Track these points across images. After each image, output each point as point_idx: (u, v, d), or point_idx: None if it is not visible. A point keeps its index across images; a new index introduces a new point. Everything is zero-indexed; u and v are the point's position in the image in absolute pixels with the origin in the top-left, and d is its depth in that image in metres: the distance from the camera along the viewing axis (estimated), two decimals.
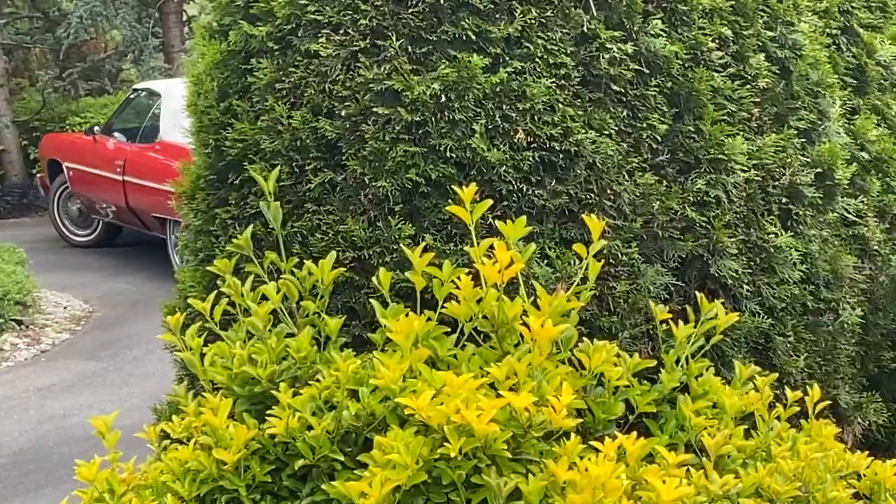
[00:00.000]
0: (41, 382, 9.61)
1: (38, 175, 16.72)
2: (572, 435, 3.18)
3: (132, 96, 14.96)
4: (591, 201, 3.92)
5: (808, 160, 4.56)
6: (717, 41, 4.24)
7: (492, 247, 3.44)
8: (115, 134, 14.17)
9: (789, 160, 4.41)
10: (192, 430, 3.50)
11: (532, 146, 3.87)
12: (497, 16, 3.92)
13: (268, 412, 3.36)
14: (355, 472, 3.24)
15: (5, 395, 9.24)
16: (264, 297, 3.64)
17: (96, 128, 14.71)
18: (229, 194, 4.05)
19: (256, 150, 3.97)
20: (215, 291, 3.73)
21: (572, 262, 3.79)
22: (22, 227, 16.11)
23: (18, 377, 9.85)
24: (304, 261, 3.71)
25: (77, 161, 14.74)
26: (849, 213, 4.89)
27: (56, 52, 20.49)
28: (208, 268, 3.85)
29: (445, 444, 3.08)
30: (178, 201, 4.21)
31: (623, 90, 4.02)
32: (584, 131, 3.91)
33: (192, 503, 3.37)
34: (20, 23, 21.42)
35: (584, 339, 3.51)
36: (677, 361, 3.60)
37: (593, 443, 3.17)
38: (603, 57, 3.97)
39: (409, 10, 3.89)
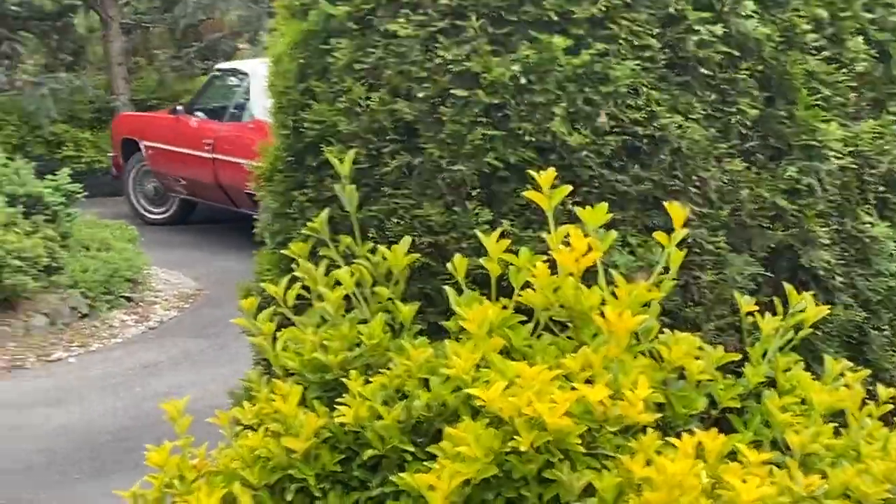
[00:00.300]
0: (147, 359, 9.73)
1: (111, 155, 16.91)
2: (650, 430, 3.08)
3: (215, 77, 15.18)
4: (675, 188, 3.80)
5: None
6: (811, 23, 4.08)
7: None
8: (197, 113, 14.40)
9: (887, 147, 4.24)
10: (262, 417, 3.45)
11: (615, 130, 3.75)
12: None
13: (337, 400, 3.31)
14: (425, 463, 3.16)
15: (112, 372, 9.38)
16: (338, 283, 3.59)
17: (179, 107, 14.91)
18: (307, 177, 3.99)
19: (334, 132, 3.90)
20: (288, 275, 3.68)
21: (655, 250, 3.67)
22: (105, 205, 16.26)
23: (126, 354, 9.98)
24: (381, 245, 3.65)
25: (157, 140, 15.10)
26: None
27: (173, 31, 20.71)
28: (284, 251, 3.80)
29: (516, 437, 3.00)
30: (257, 183, 4.17)
31: (711, 73, 3.88)
32: (669, 115, 3.79)
33: (262, 491, 3.33)
34: (139, 3, 21.67)
35: (666, 330, 3.40)
36: (764, 355, 3.48)
37: (670, 439, 3.07)
38: (691, 39, 3.84)
39: None
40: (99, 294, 10.97)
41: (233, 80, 14.79)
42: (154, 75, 21.40)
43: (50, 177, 11.38)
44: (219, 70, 15.47)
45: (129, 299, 11.43)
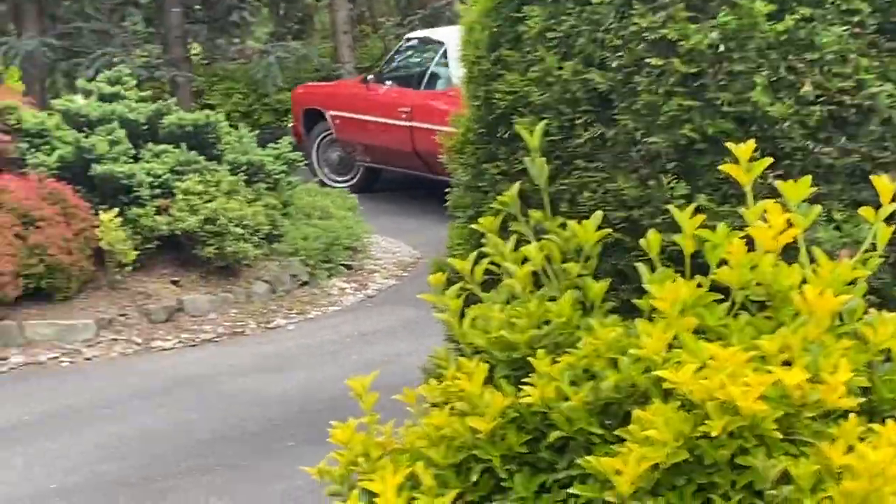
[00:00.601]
0: (365, 328, 9.80)
1: (291, 125, 17.08)
2: (852, 416, 2.91)
3: (405, 45, 15.40)
4: (885, 160, 3.60)
5: None
6: None
7: None
8: (387, 82, 14.62)
9: None
10: (448, 395, 3.38)
11: (820, 100, 3.58)
12: None
13: (524, 380, 3.22)
14: (613, 446, 3.06)
15: (330, 339, 9.48)
16: (527, 259, 3.49)
17: (369, 76, 15.04)
18: (498, 148, 3.92)
19: (526, 103, 3.82)
20: (477, 250, 3.60)
21: (862, 226, 3.48)
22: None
23: (344, 321, 10.08)
24: (572, 220, 3.54)
25: (345, 109, 15.27)
26: None
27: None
28: (474, 225, 3.72)
29: (707, 421, 2.87)
30: (448, 154, 4.10)
31: None
32: (879, 84, 3.59)
33: (447, 471, 3.26)
34: None
35: (873, 310, 3.22)
36: None
37: (872, 425, 2.90)
38: None
39: None
40: (318, 262, 11.10)
41: (425, 49, 14.92)
42: (378, 43, 21.59)
43: (272, 145, 11.53)
44: (410, 38, 15.56)
45: (348, 267, 11.54)
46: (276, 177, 11.23)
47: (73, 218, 9.88)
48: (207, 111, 11.56)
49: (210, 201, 10.37)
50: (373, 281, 11.40)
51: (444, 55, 14.03)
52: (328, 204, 12.18)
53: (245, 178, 10.89)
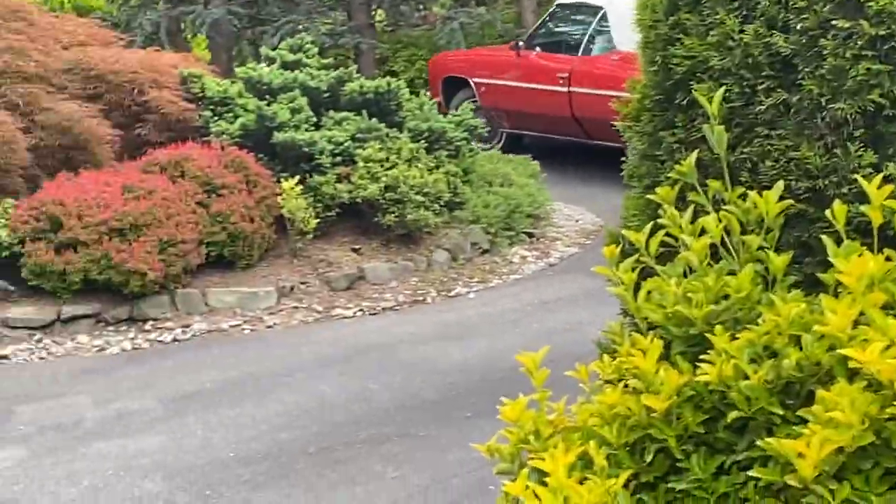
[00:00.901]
0: (546, 296, 9.74)
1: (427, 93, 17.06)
2: None
3: (557, 11, 15.39)
4: None
5: None
6: None
7: None
8: (537, 48, 14.77)
9: None
10: (622, 372, 3.27)
11: None
12: None
13: (701, 357, 3.10)
14: (795, 427, 2.93)
15: (511, 308, 9.43)
16: (704, 230, 3.36)
17: (521, 42, 15.10)
18: (676, 116, 3.79)
19: (705, 68, 3.69)
20: (652, 222, 3.48)
21: None
22: None
23: (525, 290, 10.02)
24: (754, 190, 3.40)
25: (492, 76, 15.36)
26: None
27: None
28: (649, 196, 3.59)
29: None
30: (623, 122, 3.98)
31: None
32: None
33: (621, 451, 3.16)
34: None
35: None
36: None
37: None
38: None
39: None
40: (500, 230, 11.04)
41: (581, 15, 14.89)
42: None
43: (453, 112, 11.48)
44: (563, 5, 15.45)
45: (530, 235, 11.46)
46: (458, 144, 11.21)
47: (255, 186, 9.99)
48: (388, 78, 11.56)
49: (391, 169, 10.39)
50: (555, 249, 11.31)
51: (603, 20, 14.08)
52: (510, 171, 12.10)
53: (426, 145, 10.88)
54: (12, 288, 9.15)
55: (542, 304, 9.54)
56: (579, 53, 14.28)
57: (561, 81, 14.17)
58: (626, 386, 3.22)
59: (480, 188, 11.43)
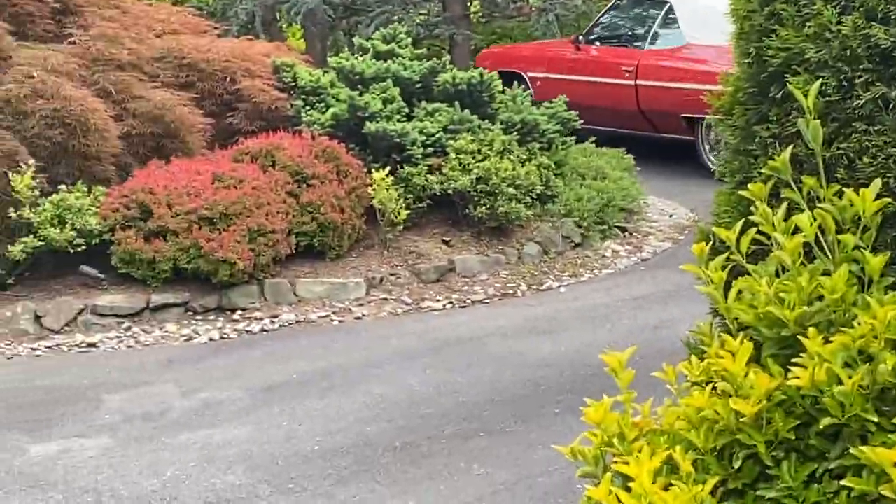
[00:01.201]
0: (637, 292, 9.63)
1: None
2: None
3: (620, 4, 15.44)
4: None
5: None
6: None
7: None
8: (595, 42, 14.94)
9: None
10: (711, 374, 3.17)
11: None
12: None
13: (793, 360, 3.00)
14: (891, 436, 2.83)
15: (602, 303, 9.34)
16: (798, 229, 3.25)
17: (580, 37, 15.21)
18: (770, 109, 3.67)
19: (801, 61, 3.57)
20: (744, 219, 3.37)
21: None
22: None
23: (616, 285, 9.92)
24: (850, 187, 3.28)
25: (549, 70, 15.36)
26: None
27: None
28: (741, 192, 3.48)
29: None
30: (715, 115, 3.87)
31: None
32: None
33: (708, 456, 3.07)
34: None
35: None
36: None
37: None
38: None
39: None
40: (592, 223, 10.93)
41: (644, 9, 14.95)
42: None
43: (546, 104, 11.39)
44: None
45: (622, 229, 11.34)
46: (551, 136, 11.11)
47: (346, 176, 9.96)
48: (482, 69, 11.47)
49: (483, 160, 10.32)
50: (647, 244, 11.17)
51: (670, 12, 14.14)
52: (603, 164, 11.98)
53: (518, 137, 10.79)
54: (102, 275, 9.19)
55: (633, 300, 9.42)
56: (645, 47, 14.27)
57: (627, 75, 14.16)
58: (714, 389, 3.12)
59: (573, 181, 11.31)
